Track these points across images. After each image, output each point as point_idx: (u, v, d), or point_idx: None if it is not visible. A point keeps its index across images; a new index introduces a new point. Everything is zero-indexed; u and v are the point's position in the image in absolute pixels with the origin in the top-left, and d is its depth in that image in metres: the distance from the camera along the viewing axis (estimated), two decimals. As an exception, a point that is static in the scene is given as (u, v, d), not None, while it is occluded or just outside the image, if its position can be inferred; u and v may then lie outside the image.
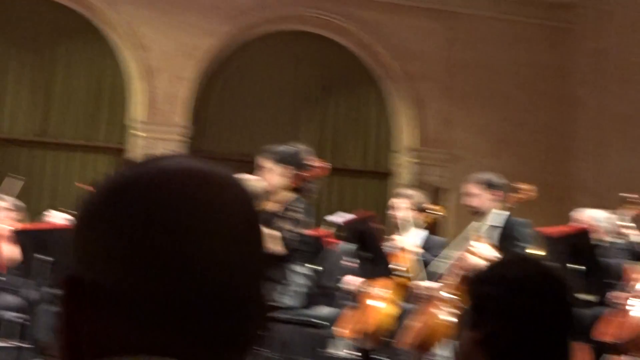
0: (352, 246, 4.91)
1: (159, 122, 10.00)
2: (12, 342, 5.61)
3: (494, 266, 1.63)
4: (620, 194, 6.52)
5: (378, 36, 10.79)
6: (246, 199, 0.72)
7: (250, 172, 4.77)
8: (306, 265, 4.56)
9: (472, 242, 5.20)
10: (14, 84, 9.87)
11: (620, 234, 6.24)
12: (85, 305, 0.69)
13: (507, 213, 5.38)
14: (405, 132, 10.98)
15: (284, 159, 4.52)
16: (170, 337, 0.67)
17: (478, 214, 5.41)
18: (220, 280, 0.67)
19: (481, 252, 5.01)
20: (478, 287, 1.60)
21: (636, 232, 6.33)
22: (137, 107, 10.06)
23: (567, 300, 1.57)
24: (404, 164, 10.88)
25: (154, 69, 10.03)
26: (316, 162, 4.62)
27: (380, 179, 11.10)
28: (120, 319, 0.67)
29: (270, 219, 4.42)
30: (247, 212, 0.71)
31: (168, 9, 10.05)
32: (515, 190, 5.55)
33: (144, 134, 9.96)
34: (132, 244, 0.68)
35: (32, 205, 7.64)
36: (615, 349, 4.97)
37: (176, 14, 10.07)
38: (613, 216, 6.28)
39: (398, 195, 6.15)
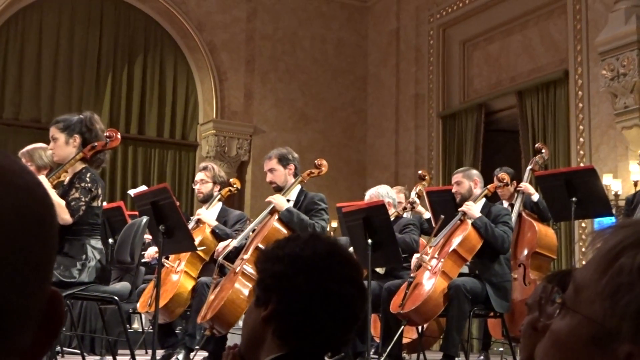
0: (146, 219, 4.77)
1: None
2: None
3: (281, 244, 1.61)
4: (419, 171, 6.82)
5: (180, 5, 10.56)
6: (20, 186, 0.62)
7: (48, 141, 4.50)
8: (101, 239, 4.37)
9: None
10: None
11: (413, 210, 6.53)
12: None
13: (299, 187, 5.48)
14: (207, 104, 10.86)
15: (69, 128, 4.29)
16: None
17: (278, 188, 5.48)
18: None
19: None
20: (264, 263, 1.59)
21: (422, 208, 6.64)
22: None
23: (355, 277, 1.57)
24: (207, 136, 10.77)
25: None
26: (107, 132, 4.41)
27: (187, 151, 10.93)
28: None
29: (62, 190, 4.22)
30: (16, 201, 0.61)
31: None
32: (313, 165, 5.68)
33: None
34: None
35: None
36: (410, 320, 5.20)
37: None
38: (394, 192, 6.53)
39: (199, 168, 6.15)
